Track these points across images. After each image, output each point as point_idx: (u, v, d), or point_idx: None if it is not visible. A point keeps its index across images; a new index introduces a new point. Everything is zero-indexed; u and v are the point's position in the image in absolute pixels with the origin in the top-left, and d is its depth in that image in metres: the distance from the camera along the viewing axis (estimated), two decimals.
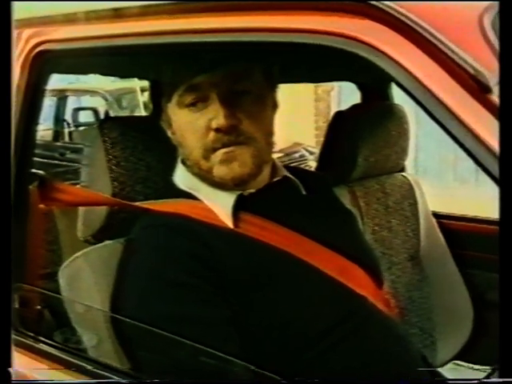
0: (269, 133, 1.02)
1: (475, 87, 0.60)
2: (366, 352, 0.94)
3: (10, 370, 0.85)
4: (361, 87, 1.69)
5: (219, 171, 0.97)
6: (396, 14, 0.65)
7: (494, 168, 0.59)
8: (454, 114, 0.61)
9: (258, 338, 0.91)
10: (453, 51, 0.61)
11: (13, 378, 0.85)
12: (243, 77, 0.97)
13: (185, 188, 1.03)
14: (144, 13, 0.89)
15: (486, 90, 0.59)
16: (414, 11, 0.64)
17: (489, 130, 0.59)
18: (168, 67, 1.01)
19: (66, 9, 1.00)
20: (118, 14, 0.92)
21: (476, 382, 0.69)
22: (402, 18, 0.64)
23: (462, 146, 0.61)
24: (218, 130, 0.94)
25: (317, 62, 1.18)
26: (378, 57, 0.66)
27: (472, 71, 0.60)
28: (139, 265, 0.95)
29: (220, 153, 0.96)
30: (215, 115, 0.94)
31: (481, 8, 0.63)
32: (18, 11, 1.02)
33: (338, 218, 1.12)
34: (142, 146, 1.09)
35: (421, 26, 0.63)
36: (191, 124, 0.98)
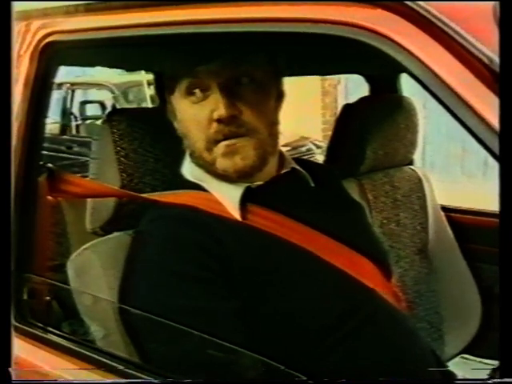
0: (272, 123, 1.01)
1: (489, 76, 0.59)
2: (375, 345, 0.94)
3: (10, 369, 0.85)
4: (369, 79, 1.68)
5: (222, 164, 0.97)
6: (408, 2, 0.64)
7: None
8: (467, 103, 0.60)
9: (267, 330, 0.91)
10: (466, 40, 0.60)
11: (16, 370, 0.85)
12: (245, 66, 0.96)
13: (193, 179, 1.03)
14: (149, 3, 0.89)
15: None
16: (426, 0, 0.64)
17: None
18: (170, 58, 1.01)
19: (71, 1, 0.99)
20: (123, 5, 0.91)
21: (480, 382, 0.69)
22: (414, 7, 0.63)
23: (474, 135, 0.60)
24: (219, 121, 0.94)
25: (325, 53, 1.17)
26: (389, 47, 0.65)
27: (486, 60, 0.59)
28: (148, 256, 0.95)
29: (222, 145, 0.95)
30: (216, 106, 0.94)
31: None
32: (27, 3, 1.03)
33: (347, 210, 1.12)
34: (150, 137, 1.09)
35: (433, 15, 0.62)
36: (194, 115, 0.97)
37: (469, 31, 0.60)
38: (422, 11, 0.63)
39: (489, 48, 0.59)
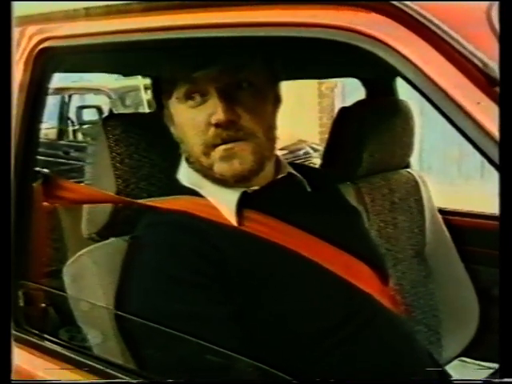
0: (270, 128, 1.01)
1: (483, 80, 0.59)
2: (372, 349, 0.94)
3: (10, 370, 0.85)
4: (365, 83, 1.69)
5: (220, 168, 0.96)
6: (402, 7, 0.64)
7: None
8: (462, 107, 0.60)
9: (263, 335, 0.91)
10: (460, 44, 0.60)
11: (13, 378, 0.84)
12: (243, 71, 0.96)
13: (188, 185, 1.03)
14: (146, 8, 0.89)
15: (494, 82, 0.58)
16: (420, 4, 0.63)
17: (496, 124, 0.58)
18: (167, 63, 1.01)
19: (68, 6, 0.99)
20: (119, 10, 0.91)
21: (479, 382, 0.69)
22: (408, 11, 0.63)
23: (469, 139, 0.60)
24: (217, 126, 0.94)
25: (321, 57, 1.17)
26: (383, 51, 0.65)
27: (480, 64, 0.59)
28: (144, 262, 0.95)
29: (220, 149, 0.95)
30: (214, 110, 0.94)
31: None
32: (22, 8, 1.02)
33: (343, 215, 1.12)
34: (145, 142, 1.09)
35: (427, 19, 0.62)
36: (191, 120, 0.97)
37: (463, 35, 0.61)
38: (415, 15, 0.63)
39: (483, 51, 0.59)
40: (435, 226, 1.58)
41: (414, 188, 1.59)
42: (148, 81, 1.88)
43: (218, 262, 0.90)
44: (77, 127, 5.94)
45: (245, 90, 0.96)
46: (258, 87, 0.98)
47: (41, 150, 1.12)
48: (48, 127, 5.85)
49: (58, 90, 5.69)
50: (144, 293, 0.92)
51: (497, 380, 0.62)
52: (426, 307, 1.51)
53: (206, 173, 0.99)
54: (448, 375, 1.13)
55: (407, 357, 0.97)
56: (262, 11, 0.78)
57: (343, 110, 1.49)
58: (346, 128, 1.46)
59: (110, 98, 5.70)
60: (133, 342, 0.93)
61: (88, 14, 0.96)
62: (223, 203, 0.98)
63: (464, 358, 1.53)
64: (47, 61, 1.02)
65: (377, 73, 1.57)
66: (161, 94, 1.04)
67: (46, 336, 0.99)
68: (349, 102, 1.53)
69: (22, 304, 1.01)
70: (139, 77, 4.47)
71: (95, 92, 6.10)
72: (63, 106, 6.01)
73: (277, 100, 1.05)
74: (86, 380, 0.89)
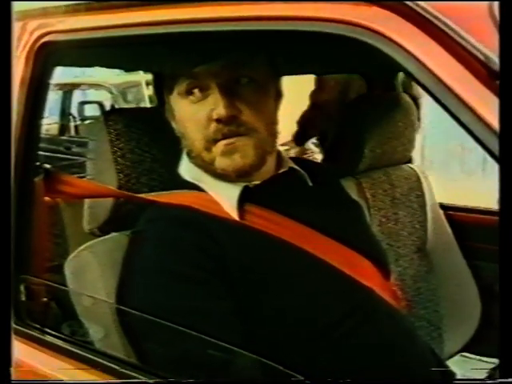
0: (271, 123, 1.01)
1: (485, 74, 0.59)
2: (373, 345, 0.93)
3: (11, 369, 0.85)
4: (367, 78, 1.68)
5: (221, 163, 0.96)
6: (405, 1, 0.64)
7: None
8: (464, 101, 0.60)
9: (264, 330, 0.91)
10: (463, 38, 0.60)
11: (14, 372, 0.85)
12: (244, 66, 0.96)
13: (190, 179, 1.03)
14: (147, 2, 0.88)
15: (496, 76, 0.58)
16: None
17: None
18: (168, 58, 1.01)
19: (68, 2, 0.99)
20: (120, 4, 0.91)
21: (479, 382, 0.69)
22: (411, 5, 0.63)
23: (471, 134, 0.60)
24: (218, 121, 0.94)
25: (322, 52, 1.17)
26: (385, 45, 0.65)
27: (482, 58, 0.59)
28: (145, 257, 0.95)
29: (221, 144, 0.95)
30: (216, 106, 0.94)
31: None
32: (23, 3, 1.02)
33: (345, 209, 1.12)
34: (147, 137, 1.09)
35: (429, 13, 0.62)
36: (193, 115, 0.97)
37: (465, 29, 0.60)
38: (418, 9, 0.63)
39: (485, 46, 0.59)
40: (437, 221, 1.58)
41: (415, 183, 1.58)
42: (149, 76, 1.87)
43: (218, 257, 0.90)
44: (78, 123, 5.94)
45: (246, 85, 0.96)
46: (260, 82, 0.98)
47: (42, 145, 1.12)
48: (50, 122, 5.86)
49: (60, 86, 5.70)
50: (144, 288, 0.92)
51: (497, 380, 0.62)
52: (427, 302, 1.51)
53: (208, 168, 0.99)
54: (450, 371, 1.13)
55: (408, 352, 0.97)
56: (264, 5, 0.77)
57: (345, 105, 1.48)
58: (348, 123, 1.46)
59: (111, 93, 5.71)
60: (134, 337, 0.93)
61: (90, 8, 0.96)
62: (225, 198, 0.98)
63: (465, 354, 1.53)
64: (49, 55, 1.01)
65: (379, 67, 1.57)
66: (162, 89, 1.04)
67: (47, 330, 0.99)
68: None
69: (23, 298, 1.02)
70: (140, 72, 4.47)
71: (97, 87, 6.10)
72: (65, 102, 6.02)
73: (278, 95, 1.05)
74: (88, 375, 0.90)
